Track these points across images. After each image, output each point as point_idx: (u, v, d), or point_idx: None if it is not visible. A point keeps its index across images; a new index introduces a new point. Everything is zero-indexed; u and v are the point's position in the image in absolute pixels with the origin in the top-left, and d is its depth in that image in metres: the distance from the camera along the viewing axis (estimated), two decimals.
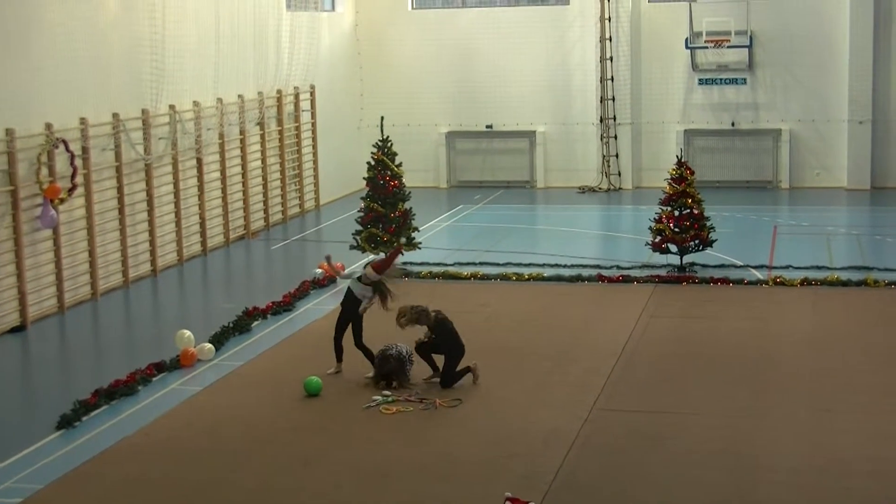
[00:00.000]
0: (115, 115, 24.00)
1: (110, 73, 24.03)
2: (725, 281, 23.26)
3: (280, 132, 31.65)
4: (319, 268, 24.44)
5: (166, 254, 26.05)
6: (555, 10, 36.93)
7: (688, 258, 24.28)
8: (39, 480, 13.89)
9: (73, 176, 22.27)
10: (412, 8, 37.94)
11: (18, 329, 21.04)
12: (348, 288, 17.89)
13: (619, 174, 36.44)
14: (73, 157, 22.25)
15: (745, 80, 35.78)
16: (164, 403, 16.74)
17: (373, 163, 24.51)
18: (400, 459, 14.36)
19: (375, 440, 15.05)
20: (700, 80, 36.09)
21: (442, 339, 17.25)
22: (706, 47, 35.26)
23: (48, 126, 21.79)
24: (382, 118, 25.54)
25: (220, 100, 28.01)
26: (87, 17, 23.30)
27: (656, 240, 24.09)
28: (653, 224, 24.22)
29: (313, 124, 33.90)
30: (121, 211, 24.31)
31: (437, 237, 28.78)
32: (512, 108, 37.14)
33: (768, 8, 35.35)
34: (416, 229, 24.93)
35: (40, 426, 15.74)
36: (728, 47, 35.06)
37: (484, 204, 34.30)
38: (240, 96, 29.09)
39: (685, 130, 36.16)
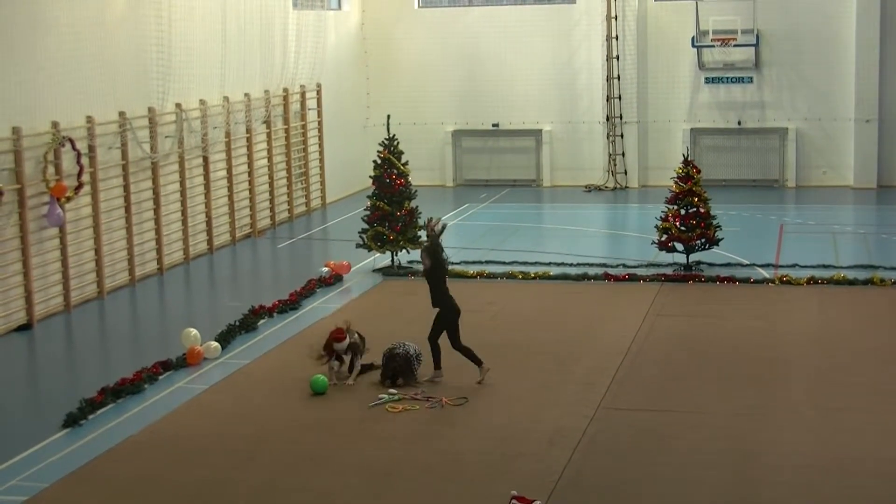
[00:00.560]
0: (121, 114, 24.02)
1: (117, 72, 24.05)
2: (732, 280, 23.23)
3: (286, 131, 31.66)
4: (326, 266, 24.45)
5: (172, 252, 26.07)
6: (561, 9, 36.90)
7: (694, 257, 24.25)
8: (45, 479, 13.91)
9: (79, 174, 22.30)
10: (418, 7, 37.94)
11: (25, 327, 21.06)
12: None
13: (626, 173, 36.42)
14: (79, 155, 22.27)
15: (751, 78, 35.74)
16: (171, 402, 16.76)
17: (379, 161, 24.49)
18: (406, 458, 14.36)
19: (381, 438, 15.05)
20: (706, 78, 36.06)
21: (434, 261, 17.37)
22: (713, 46, 35.24)
23: (55, 124, 21.81)
24: (389, 117, 25.52)
25: (226, 98, 28.02)
26: (94, 16, 23.33)
27: (662, 238, 24.06)
28: (659, 223, 24.20)
29: (319, 123, 33.91)
30: (127, 209, 24.33)
31: (443, 236, 28.67)
32: (518, 106, 37.13)
33: (775, 6, 35.29)
34: (422, 228, 24.88)
35: (46, 424, 15.76)
36: (734, 46, 35.04)
37: (490, 202, 34.29)
38: (246, 95, 29.10)
39: (691, 129, 36.13)
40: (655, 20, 36.24)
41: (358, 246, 24.79)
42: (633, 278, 23.59)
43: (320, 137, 33.99)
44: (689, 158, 24.74)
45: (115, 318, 22.39)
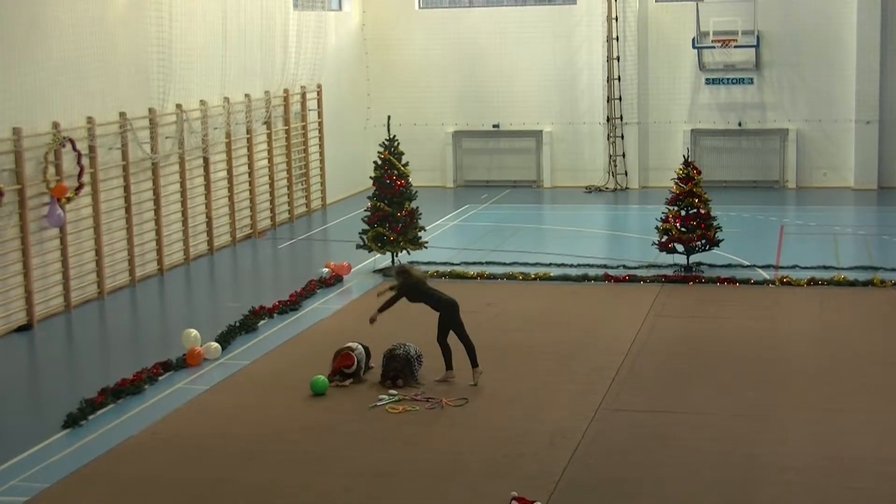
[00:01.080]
0: (121, 115, 24.02)
1: (117, 73, 24.06)
2: (732, 281, 23.23)
3: (287, 131, 31.66)
4: (326, 267, 24.45)
5: (173, 253, 26.07)
6: (562, 10, 36.91)
7: (694, 258, 24.25)
8: (46, 479, 13.91)
9: (79, 175, 22.30)
10: (419, 7, 37.94)
11: (25, 328, 21.06)
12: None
13: (626, 174, 36.42)
14: (79, 156, 22.27)
15: (752, 79, 35.74)
16: (171, 402, 16.75)
17: (379, 162, 24.49)
18: (406, 459, 14.36)
19: (382, 439, 15.05)
20: (707, 79, 36.06)
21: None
22: (713, 47, 35.24)
23: (55, 125, 21.82)
24: (389, 117, 25.52)
25: (226, 99, 28.02)
26: (95, 17, 23.32)
27: (663, 239, 24.07)
28: (659, 224, 24.20)
29: (320, 123, 33.91)
30: (127, 210, 24.34)
31: (443, 236, 28.78)
32: (519, 107, 37.14)
33: (775, 8, 35.30)
34: (422, 228, 24.91)
35: (47, 425, 15.76)
36: (735, 47, 35.03)
37: (490, 203, 34.29)
38: (247, 95, 29.11)
39: (692, 130, 36.14)
40: (656, 21, 36.24)
41: (358, 247, 24.78)
42: (633, 279, 23.59)
43: (321, 138, 33.99)
44: (689, 159, 24.76)
45: (115, 319, 22.39)
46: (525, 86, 36.98)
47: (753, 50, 35.23)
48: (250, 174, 29.57)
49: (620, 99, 36.13)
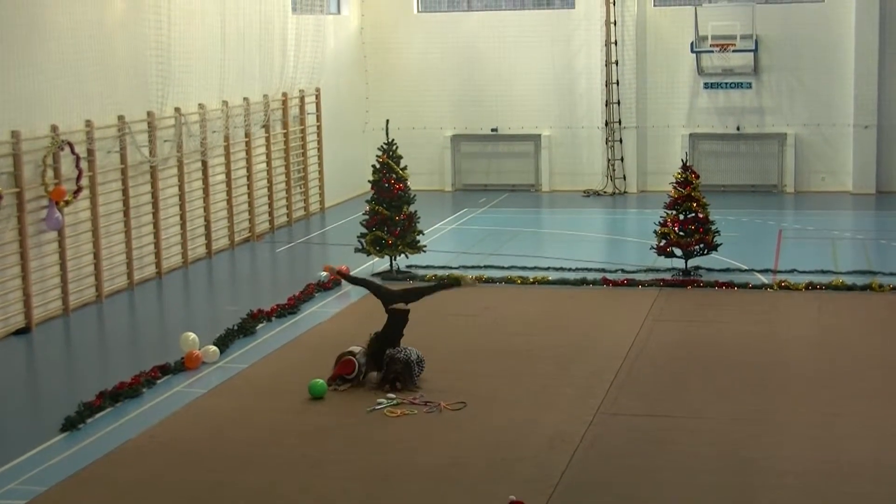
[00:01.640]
0: (120, 118, 24.02)
1: (116, 76, 24.05)
2: (730, 285, 23.23)
3: (285, 135, 31.66)
4: (324, 270, 24.43)
5: (171, 256, 26.06)
6: (560, 14, 36.92)
7: (693, 262, 24.26)
8: (44, 482, 13.89)
9: (78, 178, 22.29)
10: (417, 11, 37.95)
11: (23, 331, 21.05)
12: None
13: (625, 178, 36.43)
14: (78, 159, 22.27)
15: (750, 84, 35.76)
16: (169, 406, 16.74)
17: (378, 166, 24.49)
18: (404, 462, 14.35)
19: (380, 443, 15.04)
20: (705, 84, 36.07)
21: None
22: (712, 51, 35.27)
23: (53, 128, 21.82)
24: (388, 121, 25.53)
25: (225, 102, 28.02)
26: (93, 20, 23.32)
27: (661, 243, 24.07)
28: (658, 228, 24.21)
29: (318, 127, 33.92)
30: (126, 213, 24.33)
31: (441, 240, 28.78)
32: (517, 111, 37.14)
33: (774, 12, 35.34)
34: (420, 232, 24.91)
35: (45, 428, 15.75)
36: (733, 51, 35.06)
37: (489, 207, 34.30)
38: (245, 99, 29.11)
39: (690, 134, 36.15)
40: (654, 25, 36.26)
41: (357, 250, 24.78)
42: (631, 283, 23.59)
43: (319, 142, 34.00)
44: (687, 164, 24.74)
45: (113, 322, 22.38)
46: (523, 90, 36.99)
47: (752, 54, 35.25)
48: (249, 178, 29.56)
49: (619, 103, 36.15)
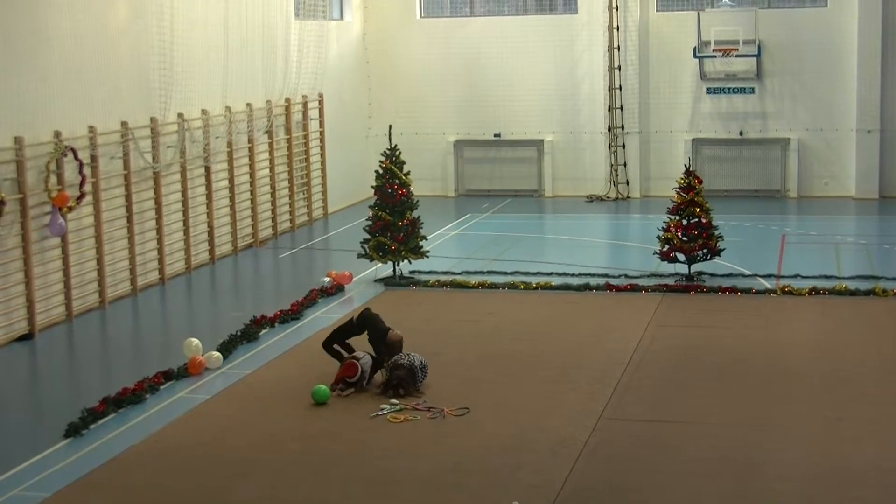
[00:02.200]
0: (123, 124, 24.04)
1: (119, 82, 24.08)
2: (733, 290, 23.22)
3: (288, 141, 31.68)
4: (327, 276, 24.46)
5: (174, 262, 26.08)
6: (563, 19, 36.93)
7: (696, 267, 24.25)
8: (47, 489, 13.90)
9: (81, 184, 22.32)
10: (420, 17, 37.97)
11: (26, 337, 21.06)
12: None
13: (627, 183, 36.43)
14: (81, 165, 22.30)
15: (753, 89, 35.75)
16: (172, 412, 16.75)
17: (381, 171, 24.50)
18: (408, 468, 14.35)
19: (383, 449, 15.04)
20: (708, 89, 36.07)
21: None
22: (714, 56, 35.26)
23: (57, 134, 21.84)
24: (391, 127, 25.52)
25: (228, 108, 28.04)
26: (97, 26, 23.36)
27: (664, 249, 24.06)
28: (661, 233, 24.20)
29: (321, 133, 33.93)
30: (129, 219, 24.35)
31: (444, 246, 28.79)
32: (520, 116, 37.15)
33: (776, 17, 35.34)
34: (423, 238, 24.92)
35: (48, 434, 15.75)
36: (736, 56, 35.04)
37: (492, 213, 34.29)
38: (248, 105, 29.13)
39: (693, 139, 36.15)
40: (657, 31, 36.27)
41: (360, 256, 24.78)
42: (634, 288, 23.57)
43: (322, 147, 34.01)
44: (690, 169, 24.75)
45: (116, 328, 22.39)
46: (526, 95, 36.99)
47: (755, 59, 35.24)
48: (252, 183, 29.58)
49: (622, 108, 36.14)
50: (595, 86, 36.58)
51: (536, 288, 23.87)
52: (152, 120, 25.00)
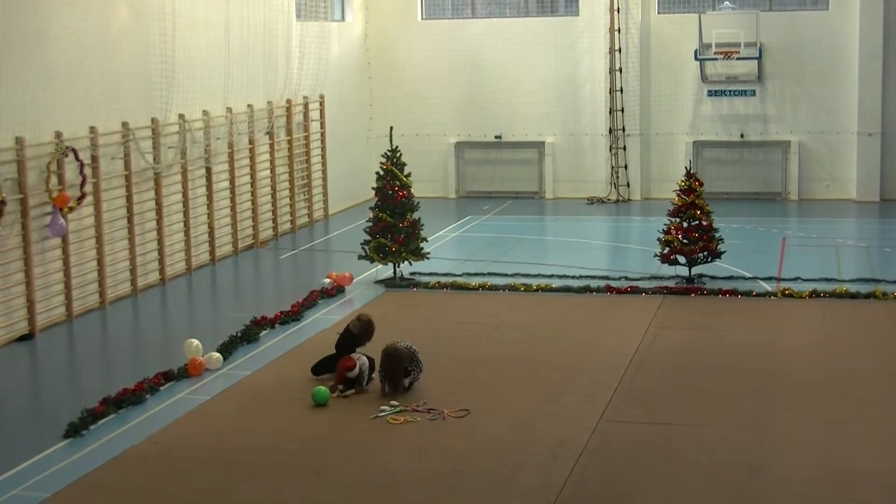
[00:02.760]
0: (124, 124, 24.05)
1: (120, 82, 24.08)
2: (734, 292, 23.22)
3: (289, 142, 31.68)
4: (328, 278, 24.46)
5: (175, 263, 26.08)
6: (564, 21, 36.94)
7: (696, 270, 24.25)
8: (47, 489, 13.90)
9: (82, 184, 22.32)
10: (422, 18, 37.98)
11: (27, 337, 21.06)
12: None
13: (628, 185, 36.43)
14: (82, 165, 22.30)
15: (754, 91, 35.76)
16: (172, 412, 16.75)
17: (382, 173, 24.49)
18: (408, 470, 14.34)
19: (383, 450, 15.03)
20: (709, 91, 36.07)
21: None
22: (715, 59, 35.25)
23: (58, 135, 21.84)
24: (392, 128, 25.52)
25: (229, 109, 28.05)
26: (98, 27, 23.36)
27: (665, 251, 24.06)
28: (661, 235, 24.20)
29: (322, 134, 33.94)
30: (130, 220, 24.35)
31: (445, 247, 28.78)
32: (521, 118, 37.16)
33: (778, 20, 35.35)
34: (424, 239, 24.91)
35: (48, 434, 15.75)
36: (737, 59, 35.02)
37: (493, 214, 34.29)
38: (249, 106, 29.13)
39: (694, 142, 36.15)
40: (658, 33, 36.28)
41: (360, 257, 24.78)
42: (635, 291, 23.57)
43: (323, 148, 34.02)
44: (691, 171, 24.72)
45: (117, 329, 22.39)
46: (527, 97, 37.00)
47: (756, 62, 35.25)
48: (252, 184, 29.58)
49: (623, 110, 36.15)
50: (596, 88, 36.58)
51: (537, 290, 23.87)
52: (153, 120, 25.00)
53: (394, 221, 24.24)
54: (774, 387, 17.37)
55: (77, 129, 22.52)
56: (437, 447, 15.12)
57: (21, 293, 21.13)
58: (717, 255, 24.04)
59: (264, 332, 20.99)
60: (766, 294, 23.21)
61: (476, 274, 25.23)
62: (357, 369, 17.25)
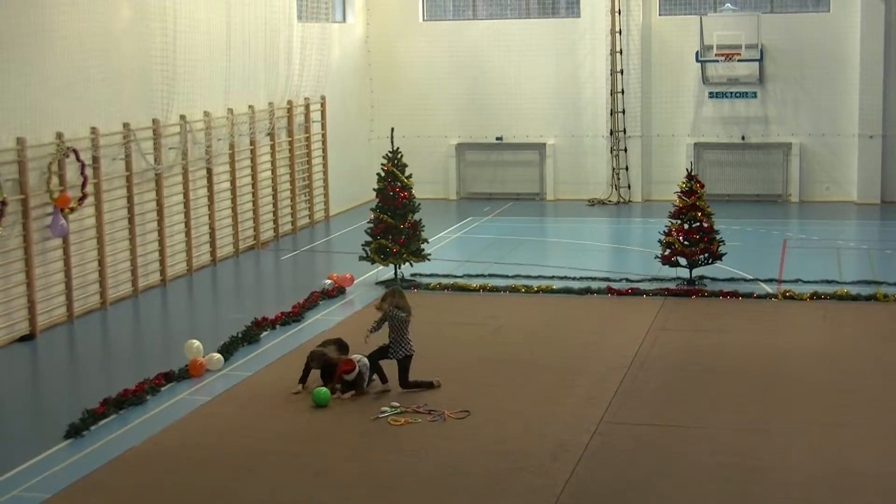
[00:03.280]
0: (125, 125, 24.05)
1: (121, 83, 24.09)
2: (735, 294, 23.21)
3: (290, 143, 31.69)
4: (329, 279, 24.46)
5: (175, 263, 26.08)
6: (565, 23, 36.95)
7: (697, 271, 24.25)
8: (47, 489, 13.90)
9: (83, 185, 22.33)
10: (423, 20, 37.99)
11: (28, 338, 21.07)
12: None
13: (629, 187, 36.43)
14: (83, 166, 22.31)
15: (755, 93, 35.76)
16: (173, 413, 16.75)
17: (383, 174, 24.50)
18: (408, 471, 14.34)
19: (384, 451, 15.03)
20: (710, 93, 36.08)
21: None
22: (717, 61, 35.25)
23: (59, 135, 21.85)
24: (393, 129, 25.52)
25: (230, 110, 28.05)
26: (99, 28, 23.37)
27: (666, 253, 24.07)
28: (662, 237, 24.20)
29: (323, 135, 33.94)
30: (131, 220, 24.36)
31: (446, 249, 28.78)
32: (522, 120, 37.17)
33: (779, 22, 35.36)
34: (425, 241, 24.91)
35: (48, 435, 15.75)
36: (738, 61, 35.02)
37: (493, 216, 34.30)
38: (250, 107, 29.14)
39: (695, 144, 36.14)
40: (659, 35, 36.28)
41: (361, 258, 24.79)
42: (636, 292, 23.57)
43: (324, 150, 34.03)
44: (692, 173, 24.73)
45: (117, 329, 22.39)
46: (528, 98, 37.01)
47: (757, 64, 35.25)
48: (253, 185, 29.59)
49: (624, 112, 36.15)
50: (597, 89, 36.59)
51: (538, 291, 23.87)
52: (154, 121, 25.01)
53: (395, 223, 24.24)
54: (775, 389, 17.37)
55: (78, 130, 22.53)
56: (438, 449, 15.12)
57: (22, 294, 21.13)
58: (717, 256, 24.05)
59: (265, 333, 20.99)
60: (767, 296, 23.21)
61: (477, 275, 25.23)
62: (356, 371, 17.25)
